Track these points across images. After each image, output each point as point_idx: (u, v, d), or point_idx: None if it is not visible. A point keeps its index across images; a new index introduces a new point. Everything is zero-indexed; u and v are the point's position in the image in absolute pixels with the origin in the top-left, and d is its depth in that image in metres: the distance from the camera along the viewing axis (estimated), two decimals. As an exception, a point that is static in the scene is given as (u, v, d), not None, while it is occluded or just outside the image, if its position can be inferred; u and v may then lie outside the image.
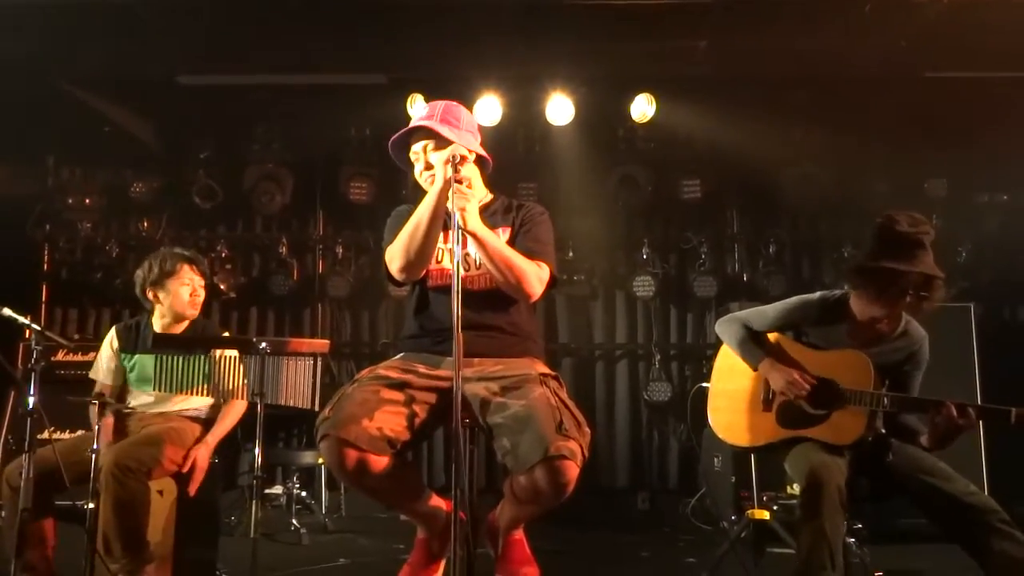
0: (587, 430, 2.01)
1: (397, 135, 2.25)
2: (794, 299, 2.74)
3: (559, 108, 4.66)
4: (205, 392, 2.73)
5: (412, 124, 2.24)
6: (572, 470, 1.89)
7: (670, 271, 5.31)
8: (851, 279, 2.56)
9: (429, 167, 2.19)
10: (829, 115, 4.67)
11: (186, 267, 3.04)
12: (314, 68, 4.48)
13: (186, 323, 3.07)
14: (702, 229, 5.27)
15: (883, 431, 2.57)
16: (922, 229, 2.42)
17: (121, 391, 3.03)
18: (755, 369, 2.72)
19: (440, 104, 2.26)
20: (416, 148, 2.23)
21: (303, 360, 2.55)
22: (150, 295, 3.03)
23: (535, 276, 2.15)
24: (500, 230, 2.25)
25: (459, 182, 2.01)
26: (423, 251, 2.11)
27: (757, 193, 5.27)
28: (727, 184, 5.26)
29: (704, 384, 2.95)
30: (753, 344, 2.73)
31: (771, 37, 3.99)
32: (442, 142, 2.18)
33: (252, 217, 5.36)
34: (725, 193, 5.32)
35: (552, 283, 2.24)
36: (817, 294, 2.70)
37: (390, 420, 2.01)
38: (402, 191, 4.93)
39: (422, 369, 2.15)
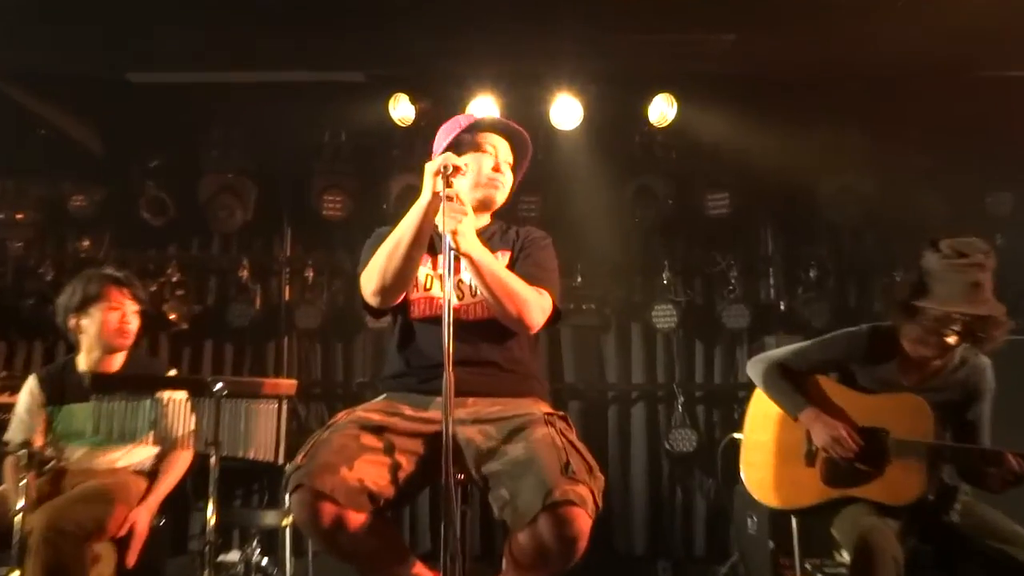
0: (600, 475, 1.98)
1: (471, 123, 2.30)
2: (839, 333, 2.74)
3: (565, 110, 4.68)
4: (151, 441, 2.70)
5: (489, 117, 2.33)
6: (582, 519, 1.85)
7: (695, 299, 5.30)
8: (897, 315, 2.56)
9: (495, 171, 2.28)
10: (875, 119, 4.70)
11: (113, 289, 3.01)
12: (281, 64, 4.51)
13: (120, 357, 3.04)
14: (731, 250, 5.27)
15: (947, 483, 2.55)
16: (976, 259, 2.41)
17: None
18: (795, 418, 2.70)
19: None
20: (491, 143, 2.31)
21: (266, 403, 2.54)
22: (72, 324, 3.01)
23: (537, 305, 2.15)
24: (499, 254, 2.26)
25: (450, 197, 2.00)
26: (401, 274, 2.11)
27: (795, 207, 5.27)
28: (760, 197, 5.27)
29: (736, 434, 2.93)
30: (792, 389, 2.72)
31: (808, 30, 4.03)
32: (514, 151, 2.32)
33: (208, 235, 5.35)
34: (757, 208, 5.32)
35: (555, 316, 2.24)
36: (866, 326, 2.70)
37: (372, 471, 1.99)
38: (382, 205, 4.94)
39: (408, 411, 2.13)
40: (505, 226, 2.39)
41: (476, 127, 2.31)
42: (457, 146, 2.29)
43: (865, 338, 2.66)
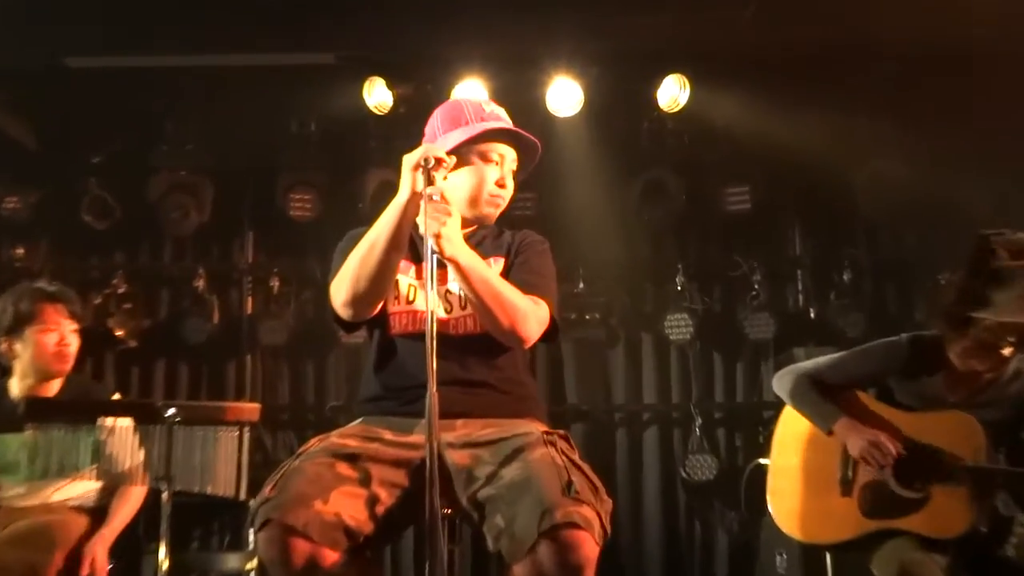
0: (607, 498, 1.97)
1: (484, 129, 2.26)
2: (876, 344, 2.74)
3: (563, 95, 4.68)
4: (92, 476, 2.69)
5: (502, 125, 2.29)
6: (588, 546, 1.82)
7: (713, 307, 5.29)
8: (942, 324, 2.56)
9: (500, 186, 2.27)
10: (915, 99, 4.70)
11: (48, 307, 3.00)
12: (242, 45, 4.51)
13: (57, 383, 3.03)
14: (754, 250, 5.27)
15: (1002, 512, 2.55)
16: None
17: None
18: (829, 431, 2.71)
19: (497, 106, 2.35)
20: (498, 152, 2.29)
21: (225, 431, 2.53)
22: (3, 348, 3.00)
23: (533, 316, 2.15)
24: (491, 260, 2.26)
25: (432, 195, 1.99)
26: (376, 282, 2.10)
27: (826, 201, 5.28)
28: (785, 190, 5.28)
29: (762, 460, 2.93)
30: (824, 400, 2.73)
31: (835, 1, 4.04)
32: (521, 159, 2.31)
33: (160, 240, 5.34)
34: (783, 202, 5.32)
35: (553, 329, 2.23)
36: (906, 336, 2.70)
37: (350, 504, 1.98)
38: (358, 204, 4.93)
39: (388, 436, 2.13)
40: (498, 229, 2.38)
41: (484, 136, 2.29)
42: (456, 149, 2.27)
43: (906, 349, 2.66)
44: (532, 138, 2.30)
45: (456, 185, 2.23)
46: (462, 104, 2.33)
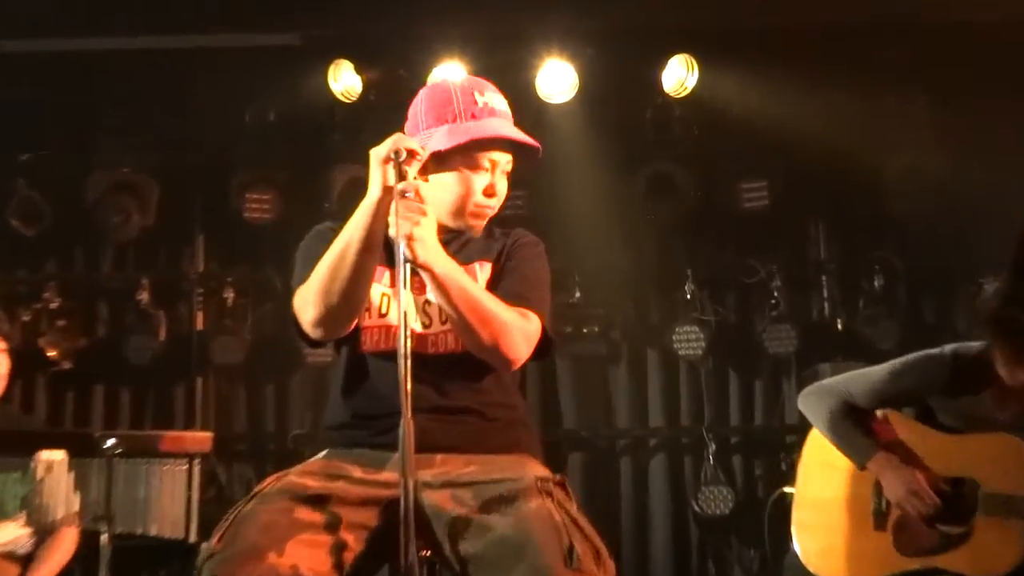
0: (610, 563, 1.96)
1: (481, 137, 2.21)
2: (914, 357, 2.75)
3: (556, 78, 4.69)
4: (23, 522, 2.67)
5: (499, 130, 2.24)
6: None
7: (727, 317, 5.30)
8: (987, 331, 2.57)
9: (488, 195, 2.24)
10: (955, 80, 4.72)
11: None
12: (193, 25, 4.50)
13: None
14: (773, 253, 5.27)
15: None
16: None
17: None
18: (862, 467, 2.72)
19: (496, 93, 2.30)
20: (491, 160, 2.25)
21: (173, 464, 2.52)
22: None
23: (521, 332, 2.13)
24: (477, 265, 2.24)
25: (404, 192, 1.99)
26: (350, 296, 2.08)
27: (853, 198, 5.29)
28: (808, 185, 5.28)
29: (786, 489, 2.94)
30: (857, 429, 2.74)
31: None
32: (516, 161, 2.27)
33: (97, 248, 5.33)
34: (805, 199, 5.33)
35: (545, 345, 2.21)
36: (948, 348, 2.71)
37: (309, 555, 1.95)
38: (323, 204, 4.93)
39: (357, 473, 2.11)
40: (486, 228, 2.36)
41: (478, 144, 2.25)
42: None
43: (948, 363, 2.66)
44: (533, 143, 2.25)
45: (437, 192, 2.18)
46: (451, 92, 2.26)
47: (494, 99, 2.28)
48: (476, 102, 2.25)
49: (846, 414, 2.76)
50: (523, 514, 1.96)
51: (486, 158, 2.23)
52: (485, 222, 2.29)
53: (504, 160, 2.26)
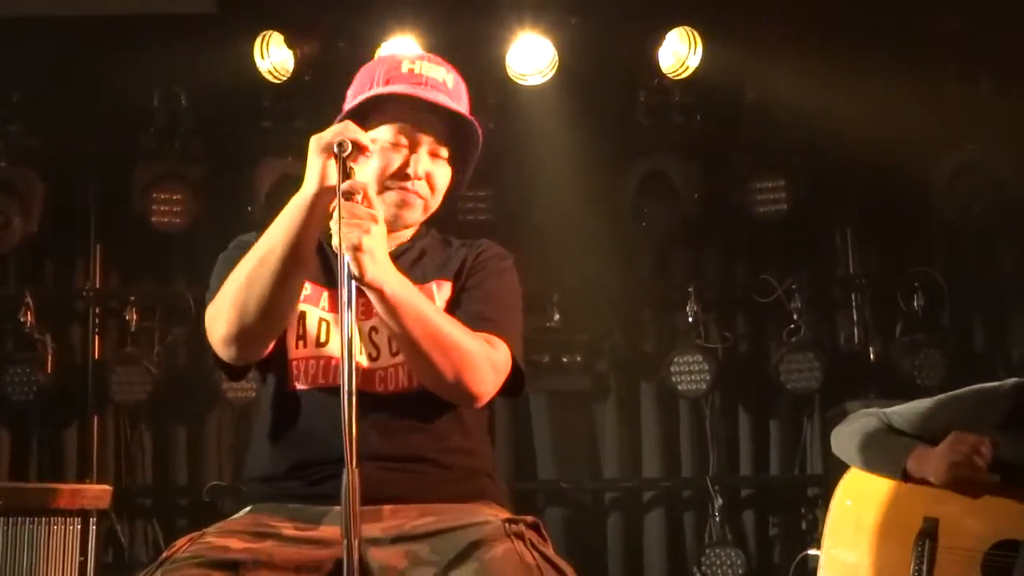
0: None
1: (372, 94, 2.23)
2: (967, 391, 2.79)
3: (530, 55, 4.70)
4: None
5: (411, 87, 2.23)
6: None
7: (737, 345, 5.34)
8: None
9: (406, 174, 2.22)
10: (1012, 59, 4.77)
11: None
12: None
13: None
14: (793, 268, 5.32)
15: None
16: None
17: None
18: (899, 474, 2.77)
19: (437, 64, 2.31)
20: (383, 136, 2.23)
21: (62, 523, 2.50)
22: None
23: (486, 363, 2.13)
24: (433, 285, 2.25)
25: (350, 193, 1.99)
26: (269, 309, 2.07)
27: (890, 201, 5.33)
28: (835, 186, 5.34)
29: (810, 552, 2.96)
30: (895, 440, 2.81)
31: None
32: (443, 140, 2.26)
33: (-30, 258, 5.30)
34: (832, 203, 5.39)
35: (515, 380, 2.22)
36: (1011, 382, 2.76)
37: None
38: (246, 208, 4.93)
39: (288, 531, 2.10)
40: (442, 238, 2.37)
41: (388, 99, 2.27)
42: (363, 121, 2.26)
43: (1009, 395, 2.71)
44: (456, 109, 2.25)
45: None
46: (381, 61, 2.32)
47: (429, 69, 2.29)
48: (400, 68, 2.27)
49: (884, 431, 2.83)
50: (487, 562, 1.96)
51: (401, 130, 2.24)
52: (413, 212, 2.27)
53: (428, 138, 2.25)
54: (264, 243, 2.07)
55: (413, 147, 2.24)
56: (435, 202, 2.30)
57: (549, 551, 2.04)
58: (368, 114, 2.25)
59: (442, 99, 2.23)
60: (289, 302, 2.12)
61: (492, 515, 2.11)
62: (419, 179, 2.24)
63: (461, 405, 2.21)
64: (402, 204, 2.24)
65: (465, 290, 2.26)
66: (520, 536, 2.04)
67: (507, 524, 2.06)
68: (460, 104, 2.28)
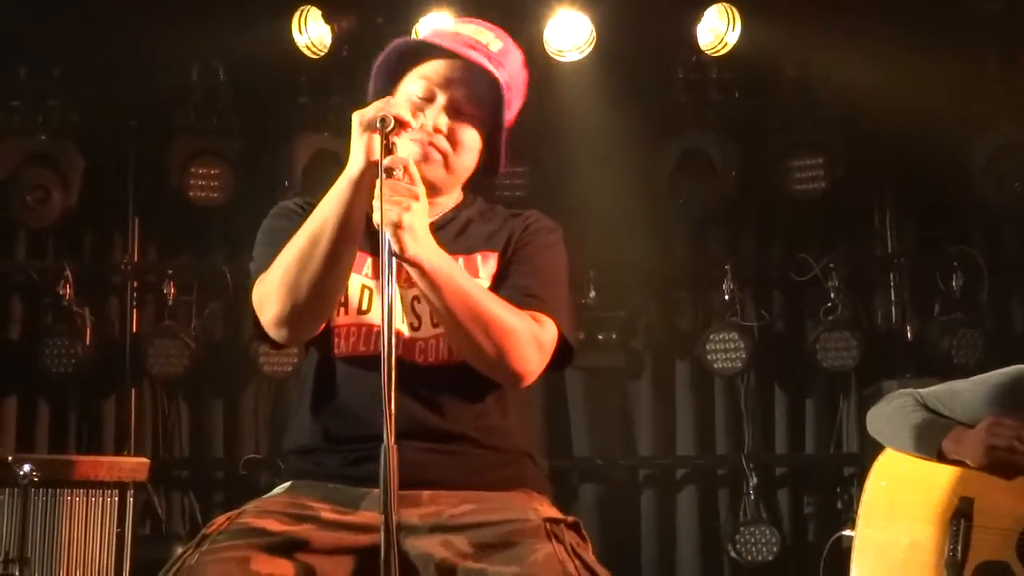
0: None
1: (398, 47, 2.22)
2: (1004, 372, 2.78)
3: (568, 31, 4.69)
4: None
5: (449, 41, 2.22)
6: None
7: (773, 324, 5.33)
8: None
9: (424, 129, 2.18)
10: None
11: None
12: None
13: None
14: (830, 246, 5.30)
15: None
16: None
17: None
18: (934, 455, 2.77)
19: (487, 29, 2.30)
20: (416, 91, 2.21)
21: (100, 495, 2.52)
22: None
23: (531, 341, 2.12)
24: (479, 256, 2.24)
25: (391, 169, 1.99)
26: (322, 289, 2.07)
27: (929, 179, 5.30)
28: (873, 164, 5.30)
29: (845, 532, 2.95)
30: (931, 418, 2.80)
31: None
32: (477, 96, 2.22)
33: (9, 232, 5.33)
34: (870, 181, 5.35)
35: (562, 355, 2.21)
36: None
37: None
38: (283, 182, 4.94)
39: (326, 514, 2.10)
40: (489, 208, 2.36)
41: (408, 54, 2.23)
42: (386, 85, 2.25)
43: None
44: (473, 59, 2.20)
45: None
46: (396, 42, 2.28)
47: (474, 31, 2.28)
48: (447, 28, 2.28)
49: (920, 412, 2.83)
50: (530, 564, 1.95)
51: (424, 81, 2.21)
52: (439, 170, 2.22)
53: (449, 92, 2.21)
54: (314, 222, 2.06)
55: (431, 99, 2.22)
56: (460, 162, 2.25)
57: (589, 556, 2.04)
58: (406, 70, 2.25)
59: (471, 54, 2.20)
60: (341, 280, 2.11)
61: (533, 512, 2.09)
62: (438, 132, 2.21)
63: (504, 384, 2.20)
64: (424, 158, 2.18)
65: (512, 263, 2.24)
66: (560, 538, 2.03)
67: (548, 524, 2.05)
68: (501, 70, 2.25)
